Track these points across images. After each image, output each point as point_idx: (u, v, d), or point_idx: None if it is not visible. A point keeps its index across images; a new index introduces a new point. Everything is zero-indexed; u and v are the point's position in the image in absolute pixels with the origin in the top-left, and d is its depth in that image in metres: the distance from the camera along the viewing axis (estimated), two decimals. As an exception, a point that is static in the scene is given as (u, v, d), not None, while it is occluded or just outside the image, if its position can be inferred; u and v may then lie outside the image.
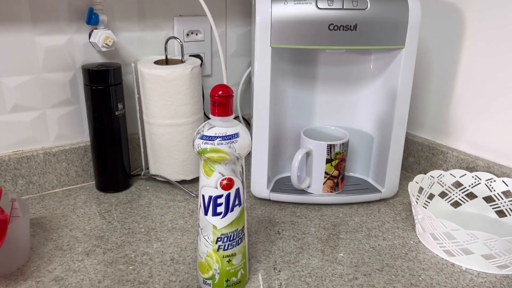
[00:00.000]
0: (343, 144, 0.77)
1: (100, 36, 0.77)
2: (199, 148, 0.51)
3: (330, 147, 0.76)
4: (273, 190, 0.80)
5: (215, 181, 0.52)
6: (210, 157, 0.51)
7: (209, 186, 0.53)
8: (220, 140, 0.51)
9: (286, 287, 0.59)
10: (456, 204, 0.81)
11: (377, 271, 0.63)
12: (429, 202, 0.80)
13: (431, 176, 0.79)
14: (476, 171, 0.81)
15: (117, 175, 0.84)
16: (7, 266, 0.60)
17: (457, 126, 0.86)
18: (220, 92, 0.51)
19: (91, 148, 0.82)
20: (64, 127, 0.83)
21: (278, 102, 0.79)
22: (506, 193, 0.78)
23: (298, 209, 0.79)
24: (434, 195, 0.80)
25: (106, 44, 0.77)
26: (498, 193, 0.77)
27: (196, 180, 0.88)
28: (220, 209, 0.53)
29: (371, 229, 0.73)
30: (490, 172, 0.79)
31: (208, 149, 0.51)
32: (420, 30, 0.73)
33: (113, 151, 0.82)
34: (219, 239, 0.55)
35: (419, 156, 0.92)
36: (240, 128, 0.53)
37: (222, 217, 0.54)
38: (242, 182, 0.54)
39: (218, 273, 0.56)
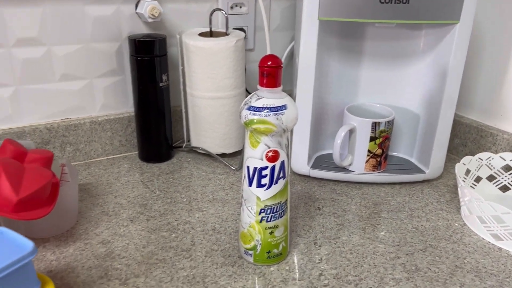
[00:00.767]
0: (388, 122, 0.75)
1: (147, 6, 0.77)
2: (246, 119, 0.51)
3: (375, 125, 0.74)
4: (313, 167, 0.80)
5: (261, 152, 0.52)
6: (257, 128, 0.51)
7: (254, 158, 0.53)
8: (267, 112, 0.50)
9: (327, 262, 0.59)
10: (504, 189, 0.78)
11: (420, 251, 0.61)
12: (475, 185, 0.77)
13: (479, 158, 0.76)
14: (528, 155, 0.78)
15: (160, 146, 0.85)
16: (57, 227, 0.63)
17: (509, 108, 0.82)
18: (269, 63, 0.50)
19: (135, 118, 0.84)
20: (109, 97, 0.85)
21: (321, 77, 0.78)
22: (559, 179, 0.74)
23: (339, 187, 0.78)
24: (482, 178, 0.77)
25: (152, 14, 0.78)
26: (551, 179, 0.73)
27: (236, 154, 0.89)
28: (265, 180, 0.53)
29: (414, 209, 0.72)
30: (544, 157, 0.76)
31: (255, 120, 0.51)
32: (476, 4, 0.69)
33: (157, 123, 0.83)
34: (262, 211, 0.55)
35: (466, 138, 0.89)
36: (287, 100, 0.52)
37: (266, 189, 0.54)
38: (287, 155, 0.54)
39: (260, 244, 0.56)
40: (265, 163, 0.53)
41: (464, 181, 0.75)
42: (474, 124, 0.87)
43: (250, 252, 0.57)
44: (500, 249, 0.62)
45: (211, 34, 0.83)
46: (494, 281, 0.56)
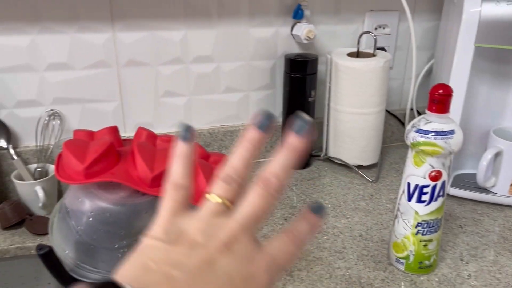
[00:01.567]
0: (538, 147, 0.75)
1: (304, 29, 0.86)
2: (414, 140, 0.57)
3: (524, 149, 0.75)
4: (453, 185, 0.82)
5: (424, 171, 0.57)
6: (424, 150, 0.56)
7: (417, 176, 0.58)
8: (435, 135, 0.55)
9: (476, 279, 0.62)
10: None
11: None
12: None
13: None
14: None
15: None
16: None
17: None
18: (440, 91, 0.55)
19: (282, 128, 0.93)
20: (261, 107, 0.95)
21: (469, 99, 0.80)
22: None
23: (479, 207, 0.80)
24: None
25: (308, 37, 0.86)
26: None
27: (371, 167, 0.94)
28: (425, 197, 0.58)
29: None
30: None
31: (422, 142, 0.56)
32: None
33: (301, 133, 0.91)
34: (419, 224, 0.60)
35: None
36: (455, 125, 0.56)
37: (425, 205, 0.59)
38: (448, 175, 0.58)
39: (413, 254, 0.62)
40: (427, 181, 0.58)
41: None
42: None
43: (402, 261, 0.63)
44: None
45: (357, 54, 0.89)
46: None
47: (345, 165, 0.94)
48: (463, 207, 0.80)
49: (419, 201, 0.59)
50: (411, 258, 0.62)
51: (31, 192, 0.75)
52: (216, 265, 0.26)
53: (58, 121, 0.81)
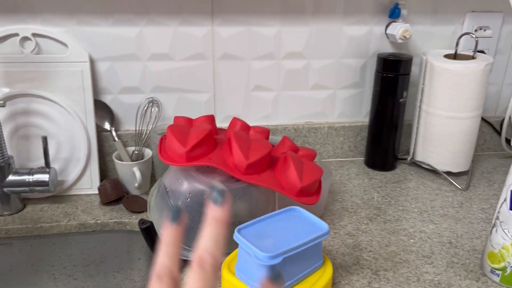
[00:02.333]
0: None
1: (400, 28, 0.84)
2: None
3: None
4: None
5: (532, 180, 0.54)
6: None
7: (523, 184, 0.55)
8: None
9: None
10: None
11: None
12: None
13: None
14: None
15: (387, 156, 0.92)
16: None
17: None
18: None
19: (369, 128, 0.92)
20: (347, 106, 0.95)
21: None
22: None
23: None
24: None
25: (404, 36, 0.85)
26: None
27: (461, 174, 0.90)
28: (530, 207, 0.55)
29: None
30: None
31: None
32: None
33: (389, 134, 0.90)
34: (521, 235, 0.57)
35: None
36: None
37: (530, 215, 0.55)
38: (559, 186, 0.55)
39: (511, 266, 0.58)
40: (535, 190, 0.55)
41: None
42: None
43: (498, 272, 0.60)
44: None
45: (455, 56, 0.86)
46: None
47: (433, 171, 0.91)
48: None
49: (523, 210, 0.56)
50: (508, 270, 0.59)
51: (129, 172, 0.81)
52: None
53: (156, 108, 0.87)
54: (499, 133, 0.99)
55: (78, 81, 0.80)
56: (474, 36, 0.82)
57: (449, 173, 0.89)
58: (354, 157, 0.98)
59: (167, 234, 0.29)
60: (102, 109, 0.85)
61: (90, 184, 0.84)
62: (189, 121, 0.71)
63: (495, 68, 0.95)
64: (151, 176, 0.86)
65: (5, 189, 0.75)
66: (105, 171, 0.88)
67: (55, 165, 0.81)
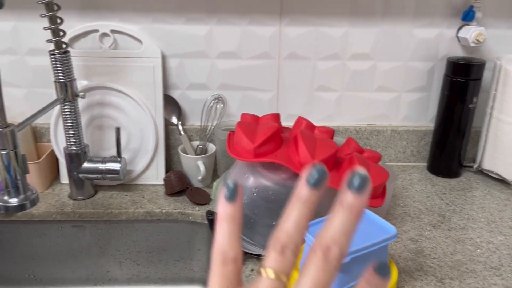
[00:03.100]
0: None
1: (473, 32, 0.82)
2: None
3: None
4: None
5: None
6: None
7: None
8: None
9: None
10: None
11: None
12: None
13: None
14: None
15: (451, 163, 0.89)
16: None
17: None
18: None
19: (434, 133, 0.90)
20: (412, 110, 0.93)
21: None
22: None
23: None
24: None
25: (478, 40, 0.82)
26: None
27: (532, 185, 0.86)
28: None
29: None
30: None
31: None
32: None
33: (454, 140, 0.87)
34: None
35: None
36: None
37: None
38: None
39: None
40: None
41: None
42: None
43: None
44: None
45: (532, 61, 0.82)
46: None
47: (501, 180, 0.87)
48: None
49: None
50: None
51: (193, 165, 0.84)
52: None
53: (222, 105, 0.89)
54: None
55: (150, 76, 0.84)
56: (555, 41, 0.78)
57: (519, 183, 0.86)
58: (417, 162, 0.96)
59: (226, 210, 0.26)
60: (171, 104, 0.89)
61: (156, 175, 0.87)
62: (256, 118, 0.73)
63: None
64: (213, 171, 0.88)
65: (81, 175, 0.81)
66: (170, 163, 0.92)
67: (125, 155, 0.85)
